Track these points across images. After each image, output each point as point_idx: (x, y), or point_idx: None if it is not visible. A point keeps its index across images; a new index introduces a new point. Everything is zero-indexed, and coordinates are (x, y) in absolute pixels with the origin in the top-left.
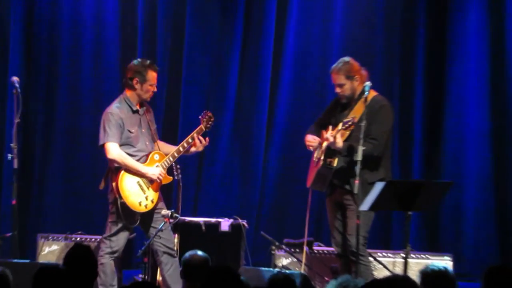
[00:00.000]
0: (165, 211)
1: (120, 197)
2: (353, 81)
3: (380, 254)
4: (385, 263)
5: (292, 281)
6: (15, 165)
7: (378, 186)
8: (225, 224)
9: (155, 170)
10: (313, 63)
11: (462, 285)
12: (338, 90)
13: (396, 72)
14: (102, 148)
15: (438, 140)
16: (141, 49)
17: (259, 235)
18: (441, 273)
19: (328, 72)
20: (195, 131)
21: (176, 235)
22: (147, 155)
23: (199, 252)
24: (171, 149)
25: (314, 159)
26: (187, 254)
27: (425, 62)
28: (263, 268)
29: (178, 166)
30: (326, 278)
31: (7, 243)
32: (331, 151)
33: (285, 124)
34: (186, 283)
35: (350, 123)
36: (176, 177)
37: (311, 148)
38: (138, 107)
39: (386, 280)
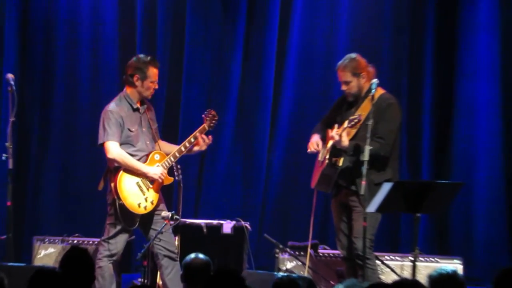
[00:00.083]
0: (165, 213)
1: (119, 198)
2: (359, 78)
3: (387, 257)
4: (393, 266)
5: (297, 285)
6: (10, 166)
7: (386, 187)
8: (227, 226)
9: (156, 169)
10: (318, 60)
11: None
12: (344, 87)
13: (404, 69)
14: (101, 147)
15: (447, 139)
16: (140, 46)
17: (262, 238)
18: (450, 277)
19: (334, 69)
20: (198, 130)
21: (177, 238)
22: (147, 155)
23: (200, 255)
24: (172, 148)
25: (319, 159)
26: (188, 257)
27: (434, 58)
28: (266, 272)
29: (178, 166)
30: (331, 282)
31: (2, 246)
32: (336, 150)
33: (289, 123)
34: (186, 287)
35: (356, 120)
36: (176, 178)
37: (309, 151)
38: (138, 105)
39: (394, 284)
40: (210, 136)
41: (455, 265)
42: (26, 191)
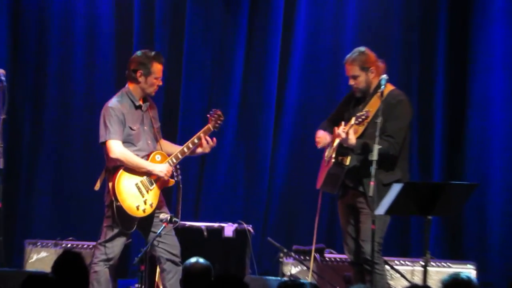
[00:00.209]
0: (163, 215)
1: (116, 199)
2: (368, 73)
3: (397, 262)
4: (403, 271)
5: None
6: (1, 165)
7: (395, 188)
8: (229, 229)
9: (163, 167)
10: (324, 57)
11: None
12: (352, 82)
13: (415, 64)
14: (102, 145)
15: (460, 138)
16: (137, 41)
17: (265, 241)
18: (464, 283)
19: (342, 63)
20: (202, 131)
21: None
22: (148, 155)
23: (201, 260)
24: (174, 149)
25: (325, 158)
26: (188, 262)
27: (447, 54)
28: (270, 277)
29: (178, 167)
30: None
31: None
32: (343, 149)
33: (294, 121)
34: None
35: (363, 117)
36: (175, 178)
37: (319, 146)
38: (141, 102)
39: None
40: (214, 139)
41: (468, 270)
42: (18, 192)
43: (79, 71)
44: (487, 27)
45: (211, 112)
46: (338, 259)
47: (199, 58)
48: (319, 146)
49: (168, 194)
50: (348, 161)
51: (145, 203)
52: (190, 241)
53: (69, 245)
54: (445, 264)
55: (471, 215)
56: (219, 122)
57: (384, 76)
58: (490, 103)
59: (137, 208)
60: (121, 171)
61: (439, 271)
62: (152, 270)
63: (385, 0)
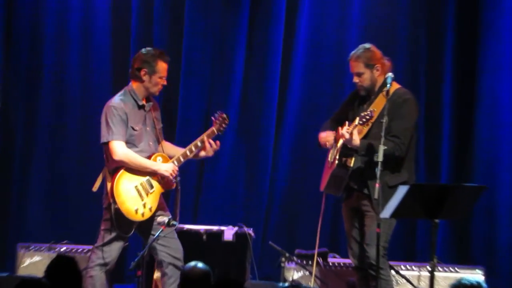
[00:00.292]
0: (160, 218)
1: (115, 202)
2: (373, 70)
3: (403, 267)
4: (409, 277)
5: None
6: None
7: (401, 190)
8: (228, 232)
9: (168, 166)
10: (328, 50)
11: None
12: (356, 79)
13: (422, 63)
14: (105, 146)
15: (468, 139)
16: (135, 37)
17: (267, 245)
18: None
19: (346, 60)
20: (205, 133)
21: None
22: (149, 157)
23: (200, 265)
24: (176, 151)
25: (328, 159)
26: (186, 266)
27: (455, 51)
28: (271, 282)
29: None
30: None
31: None
32: (347, 150)
33: (297, 121)
34: None
35: (368, 117)
36: (174, 180)
37: (328, 145)
38: (144, 102)
39: None
40: (217, 142)
41: (476, 275)
42: (10, 193)
43: (74, 68)
44: (496, 25)
45: (215, 114)
46: (342, 264)
47: (198, 55)
48: (327, 145)
49: (166, 196)
50: (352, 162)
51: (144, 206)
52: (188, 245)
53: (63, 249)
54: (452, 269)
55: (480, 218)
56: (223, 125)
57: (390, 74)
58: (499, 103)
59: (136, 211)
60: (121, 171)
61: (447, 276)
62: (149, 275)
63: None
